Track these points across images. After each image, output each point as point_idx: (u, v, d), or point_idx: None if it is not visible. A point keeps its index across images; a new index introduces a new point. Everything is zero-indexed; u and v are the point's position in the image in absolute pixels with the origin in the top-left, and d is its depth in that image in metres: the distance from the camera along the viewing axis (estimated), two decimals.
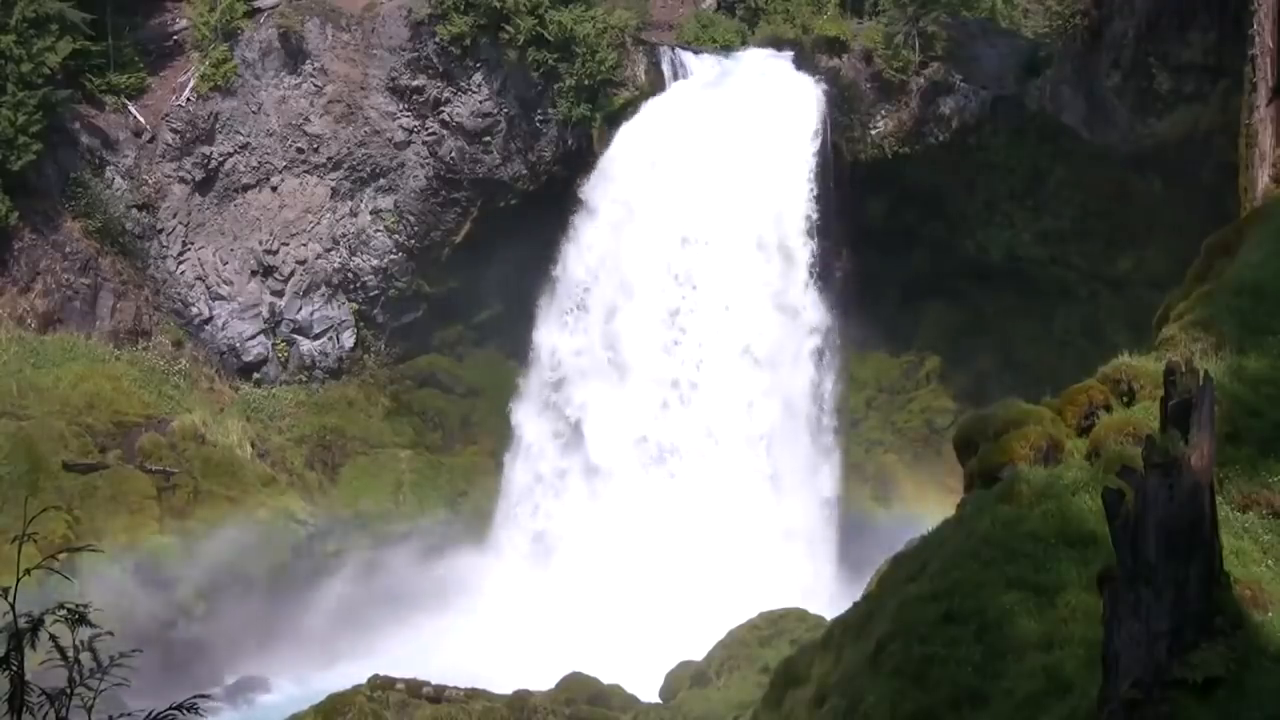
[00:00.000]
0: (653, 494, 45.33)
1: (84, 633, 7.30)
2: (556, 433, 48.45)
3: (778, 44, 49.74)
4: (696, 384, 46.43)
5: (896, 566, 18.35)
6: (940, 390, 50.26)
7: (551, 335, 48.76)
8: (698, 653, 33.86)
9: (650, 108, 48.29)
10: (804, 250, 46.78)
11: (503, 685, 33.54)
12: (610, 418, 46.79)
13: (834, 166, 47.50)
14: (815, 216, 46.81)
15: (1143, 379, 17.68)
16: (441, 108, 50.21)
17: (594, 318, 48.08)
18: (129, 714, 7.43)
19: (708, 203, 46.24)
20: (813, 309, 47.04)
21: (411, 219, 51.22)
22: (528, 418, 49.12)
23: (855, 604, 19.39)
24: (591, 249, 48.01)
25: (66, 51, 47.55)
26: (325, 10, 50.82)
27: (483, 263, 50.56)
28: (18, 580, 7.35)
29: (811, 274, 46.87)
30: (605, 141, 48.24)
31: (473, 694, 32.82)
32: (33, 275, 47.61)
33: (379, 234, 51.43)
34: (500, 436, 50.32)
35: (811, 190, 46.80)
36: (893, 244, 48.82)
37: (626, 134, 47.95)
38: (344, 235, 51.36)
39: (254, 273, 51.05)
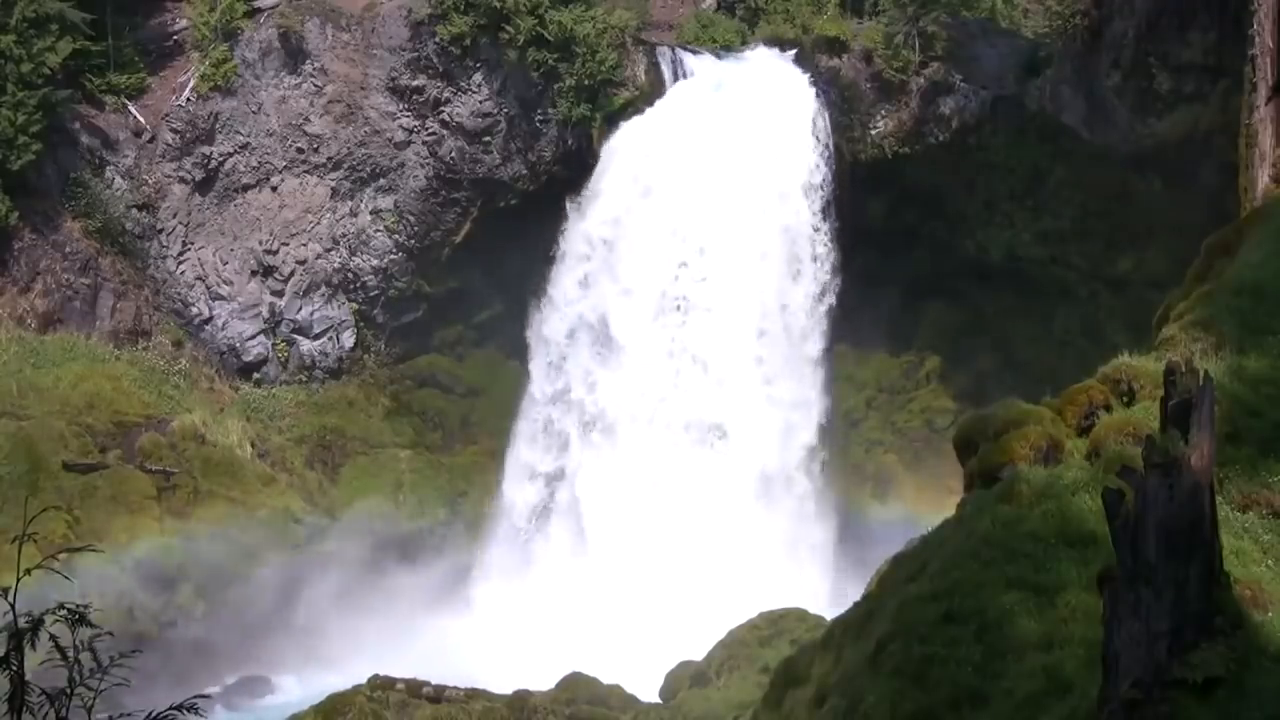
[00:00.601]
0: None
1: (84, 633, 7.30)
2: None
3: (779, 44, 49.68)
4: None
5: (896, 566, 18.34)
6: (940, 390, 50.22)
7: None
8: (698, 653, 33.85)
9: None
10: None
11: (503, 685, 33.55)
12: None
13: (834, 170, 47.48)
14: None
15: (1143, 379, 17.67)
16: (441, 108, 50.20)
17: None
18: (129, 714, 7.42)
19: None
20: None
21: (411, 219, 51.21)
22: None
23: (855, 604, 19.37)
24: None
25: (66, 51, 47.54)
26: (325, 10, 50.80)
27: (483, 263, 50.55)
28: (18, 580, 7.35)
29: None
30: (604, 139, 48.15)
31: (473, 694, 32.83)
32: (33, 275, 47.61)
33: (379, 234, 51.41)
34: (500, 435, 50.33)
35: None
36: (893, 244, 48.79)
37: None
38: (344, 235, 51.35)
39: (254, 273, 51.04)
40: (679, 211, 45.94)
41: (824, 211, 46.87)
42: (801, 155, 46.87)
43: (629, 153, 47.21)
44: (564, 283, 47.77)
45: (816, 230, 46.70)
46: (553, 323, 47.95)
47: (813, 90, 47.66)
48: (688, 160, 46.15)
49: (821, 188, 46.91)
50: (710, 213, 45.75)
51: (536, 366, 48.44)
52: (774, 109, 47.07)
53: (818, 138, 47.24)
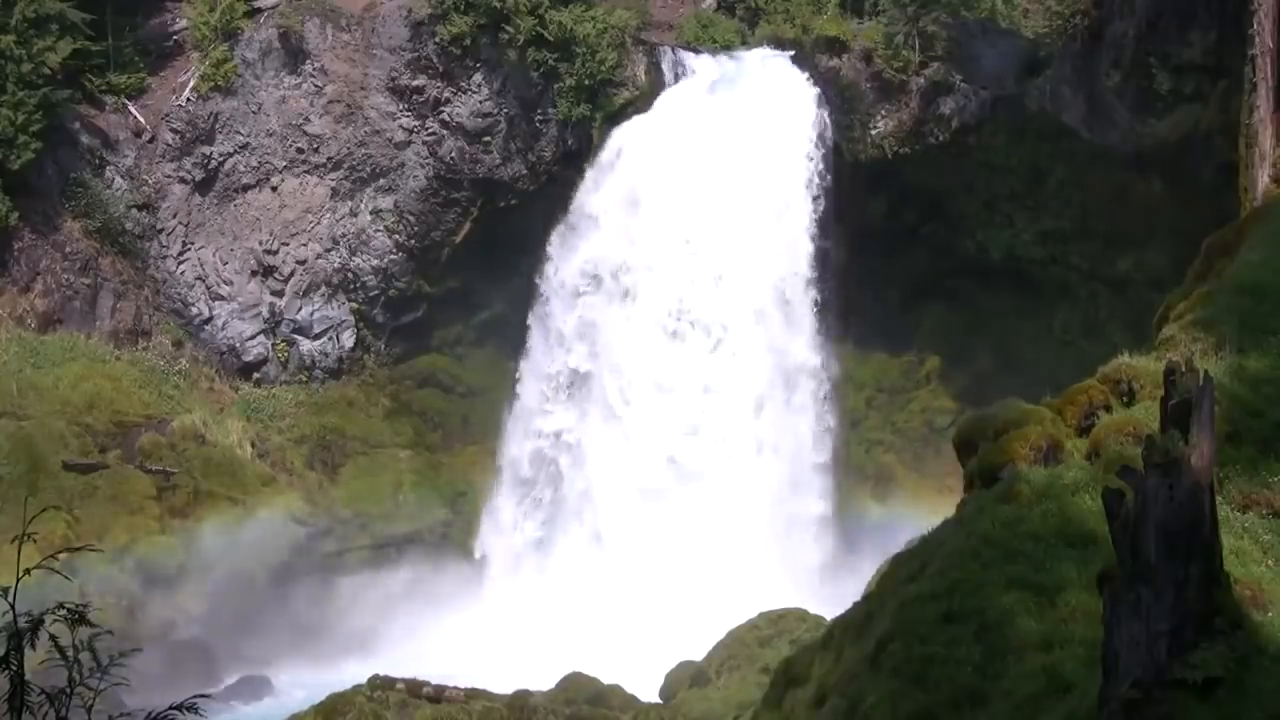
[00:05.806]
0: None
1: (84, 633, 7.29)
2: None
3: (779, 44, 49.66)
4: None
5: (896, 566, 18.33)
6: (940, 390, 50.20)
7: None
8: (698, 653, 33.85)
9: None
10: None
11: (503, 685, 33.55)
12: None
13: (834, 170, 47.43)
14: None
15: (1143, 379, 17.66)
16: (441, 108, 50.20)
17: None
18: (129, 714, 7.42)
19: None
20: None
21: (411, 219, 51.21)
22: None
23: (855, 604, 19.35)
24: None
25: (66, 51, 47.56)
26: (325, 10, 50.80)
27: (483, 263, 50.54)
28: (17, 580, 7.34)
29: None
30: (604, 139, 48.08)
31: (473, 694, 32.83)
32: (33, 275, 47.63)
33: (379, 234, 51.41)
34: (500, 435, 50.34)
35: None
36: (893, 244, 48.78)
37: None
38: (344, 235, 51.36)
39: (254, 273, 51.04)
40: (678, 212, 45.92)
41: (824, 211, 46.84)
42: (801, 155, 46.86)
43: (627, 153, 47.19)
44: (562, 283, 47.75)
45: (816, 230, 46.70)
46: (551, 323, 47.98)
47: (813, 90, 47.66)
48: (687, 160, 46.13)
49: (821, 188, 46.89)
50: (709, 213, 45.74)
51: (533, 367, 48.38)
52: (774, 109, 47.06)
53: (818, 138, 47.24)
